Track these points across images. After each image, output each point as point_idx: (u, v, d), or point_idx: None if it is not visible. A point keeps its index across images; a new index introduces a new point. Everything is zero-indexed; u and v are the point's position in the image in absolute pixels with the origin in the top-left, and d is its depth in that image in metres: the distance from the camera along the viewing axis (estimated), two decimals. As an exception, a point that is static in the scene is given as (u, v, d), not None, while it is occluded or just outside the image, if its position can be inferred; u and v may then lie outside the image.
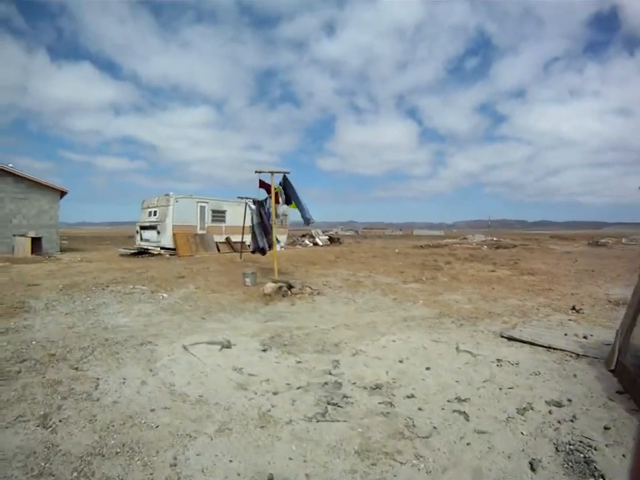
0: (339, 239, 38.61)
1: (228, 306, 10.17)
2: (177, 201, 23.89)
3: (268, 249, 15.01)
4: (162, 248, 23.35)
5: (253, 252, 15.68)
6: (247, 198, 19.07)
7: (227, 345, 6.83)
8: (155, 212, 24.65)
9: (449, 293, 12.35)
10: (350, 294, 12.05)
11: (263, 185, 14.05)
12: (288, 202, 13.98)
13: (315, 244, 36.20)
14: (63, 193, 26.43)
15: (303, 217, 13.87)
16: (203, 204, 25.75)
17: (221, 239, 26.49)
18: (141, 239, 25.58)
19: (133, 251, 23.39)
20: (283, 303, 10.58)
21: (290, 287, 11.86)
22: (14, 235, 23.18)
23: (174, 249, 23.36)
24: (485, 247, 33.65)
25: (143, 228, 25.67)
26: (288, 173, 13.55)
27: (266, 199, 14.82)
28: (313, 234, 38.46)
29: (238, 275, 14.01)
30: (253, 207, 16.20)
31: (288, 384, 5.20)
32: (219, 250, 25.32)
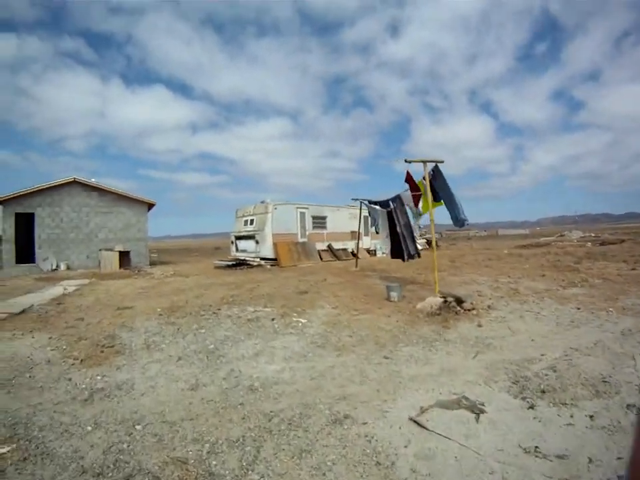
0: (436, 243, 34.68)
1: (398, 333, 7.28)
2: (275, 208, 20.95)
3: (417, 255, 12.06)
4: (261, 258, 20.59)
5: (404, 259, 12.43)
6: (362, 200, 16.36)
7: (478, 408, 4.08)
8: (252, 220, 21.81)
9: (623, 297, 9.47)
10: (521, 305, 9.22)
11: (410, 179, 10.98)
12: (435, 199, 10.93)
13: (414, 248, 32.33)
14: (150, 206, 24.67)
15: (455, 217, 10.73)
16: (302, 210, 22.66)
17: (323, 246, 23.41)
18: (237, 250, 22.84)
19: (229, 263, 20.81)
20: (463, 324, 7.71)
21: (460, 301, 8.72)
22: (100, 250, 21.81)
23: (275, 259, 20.52)
24: (589, 243, 29.33)
25: (238, 238, 22.88)
26: (442, 162, 10.47)
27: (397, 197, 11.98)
28: (410, 238, 34.72)
29: (368, 288, 11.81)
30: (377, 208, 13.60)
31: None
32: (321, 258, 22.37)
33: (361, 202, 16.48)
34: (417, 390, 4.66)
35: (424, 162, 10.11)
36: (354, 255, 24.33)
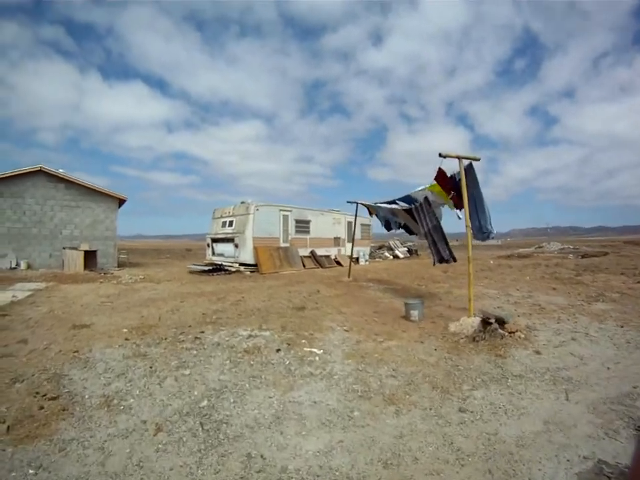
0: (416, 251, 33.33)
1: (449, 367, 5.55)
2: (257, 209, 18.66)
3: (452, 259, 10.00)
4: (240, 264, 18.35)
5: (438, 262, 10.31)
6: (358, 202, 14.75)
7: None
8: (231, 222, 19.48)
9: None
10: (558, 323, 8.00)
11: (442, 177, 8.91)
12: (458, 205, 9.23)
13: (395, 256, 31.29)
14: (121, 202, 21.79)
15: (480, 226, 8.87)
16: (285, 213, 20.39)
17: (306, 252, 21.26)
18: (214, 253, 20.52)
19: (205, 268, 18.40)
20: (517, 351, 6.25)
21: (502, 322, 7.00)
22: (64, 248, 19.09)
23: (255, 265, 18.31)
24: (571, 255, 28.42)
25: (215, 241, 20.52)
26: (478, 159, 8.51)
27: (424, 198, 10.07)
28: (392, 245, 33.36)
29: (374, 303, 10.33)
30: (393, 206, 11.80)
31: None
32: (304, 265, 20.25)
33: (357, 204, 14.60)
34: (538, 462, 3.30)
35: (459, 158, 8.20)
36: (337, 262, 22.45)
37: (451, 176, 8.72)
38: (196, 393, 4.46)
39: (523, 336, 6.87)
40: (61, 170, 19.73)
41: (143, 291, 12.03)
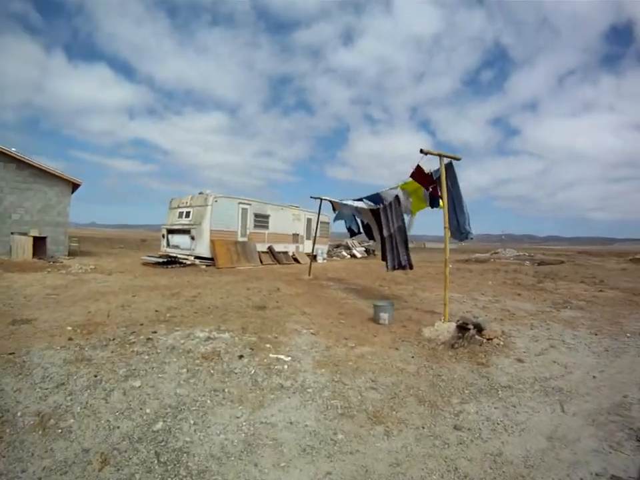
0: (374, 251, 33.14)
1: (432, 377, 5.10)
2: (216, 201, 17.75)
3: (409, 266, 9.56)
4: (196, 257, 17.45)
5: (388, 268, 9.77)
6: (323, 198, 14.05)
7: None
8: (188, 213, 18.49)
9: (624, 320, 8.78)
10: (532, 330, 7.79)
11: (419, 174, 8.36)
12: (432, 203, 8.97)
13: (353, 255, 30.90)
14: (75, 186, 20.17)
15: (458, 226, 8.57)
16: (245, 206, 19.51)
17: (263, 248, 20.48)
18: (169, 245, 19.46)
19: (159, 260, 17.27)
20: (498, 359, 5.91)
21: (480, 328, 6.60)
22: (12, 233, 17.48)
23: (211, 259, 17.45)
24: (527, 262, 28.86)
25: (171, 232, 19.45)
26: (459, 159, 8.19)
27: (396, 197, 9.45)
28: (350, 245, 32.91)
29: (337, 303, 9.84)
30: (359, 205, 11.14)
31: None
32: (261, 261, 19.46)
33: (321, 200, 14.01)
34: None
35: (440, 155, 7.77)
36: (295, 259, 21.88)
37: (428, 173, 8.29)
38: (148, 410, 3.70)
39: (502, 343, 6.53)
40: (13, 149, 18.16)
41: (92, 282, 11.10)
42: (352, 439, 3.46)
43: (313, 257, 16.75)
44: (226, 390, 4.22)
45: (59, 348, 5.05)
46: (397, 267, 9.41)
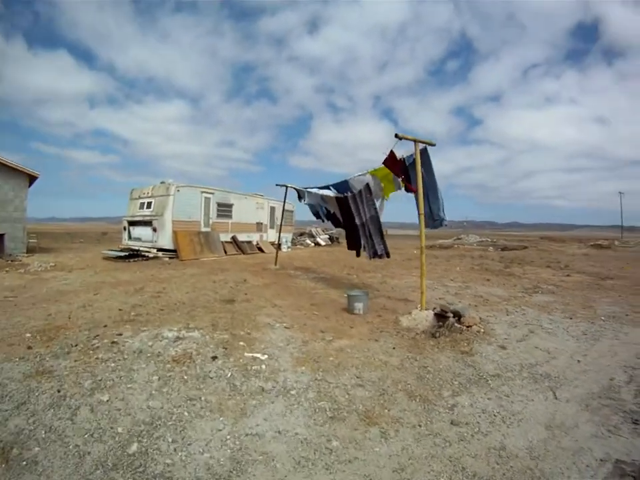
0: (337, 239, 32.89)
1: (417, 369, 4.92)
2: (178, 190, 16.99)
3: (386, 254, 9.24)
4: (159, 249, 16.74)
5: (369, 257, 9.56)
6: (288, 185, 13.59)
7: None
8: (150, 204, 17.70)
9: (595, 305, 8.95)
10: (508, 315, 7.82)
11: (392, 161, 8.12)
12: (408, 187, 8.53)
13: (317, 244, 30.59)
14: (32, 179, 18.80)
15: (431, 212, 8.40)
16: (207, 195, 18.82)
17: (227, 238, 19.89)
18: (130, 238, 18.64)
19: (120, 254, 16.51)
20: (481, 346, 5.84)
21: (458, 315, 6.53)
22: None
23: (174, 251, 16.78)
24: (491, 248, 29.52)
25: (132, 224, 18.64)
26: (434, 144, 7.98)
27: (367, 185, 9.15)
28: (314, 233, 32.53)
29: (307, 294, 9.58)
30: (327, 192, 10.76)
31: None
32: (225, 252, 18.88)
33: (287, 187, 13.64)
34: (561, 473, 3.00)
35: (415, 141, 7.54)
36: (259, 248, 21.47)
37: (400, 159, 8.07)
38: (120, 430, 3.29)
39: (482, 330, 6.47)
40: (-33, 142, 16.90)
41: (52, 281, 10.43)
42: (348, 445, 3.22)
43: (278, 246, 16.40)
44: (203, 398, 3.87)
45: (17, 359, 4.55)
46: (373, 256, 9.19)
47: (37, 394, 3.76)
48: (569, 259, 20.94)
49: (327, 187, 10.97)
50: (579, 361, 5.41)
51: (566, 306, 8.71)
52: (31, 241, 19.85)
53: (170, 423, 3.42)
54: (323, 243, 30.74)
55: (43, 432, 3.20)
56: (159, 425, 3.40)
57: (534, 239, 49.82)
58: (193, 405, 3.72)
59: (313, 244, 30.09)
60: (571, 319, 7.62)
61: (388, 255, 9.25)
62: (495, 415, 3.80)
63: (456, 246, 31.25)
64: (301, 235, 32.59)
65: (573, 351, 5.82)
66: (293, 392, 4.05)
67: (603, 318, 7.68)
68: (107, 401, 3.71)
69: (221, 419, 3.53)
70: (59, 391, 3.83)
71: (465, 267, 16.03)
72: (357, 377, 4.50)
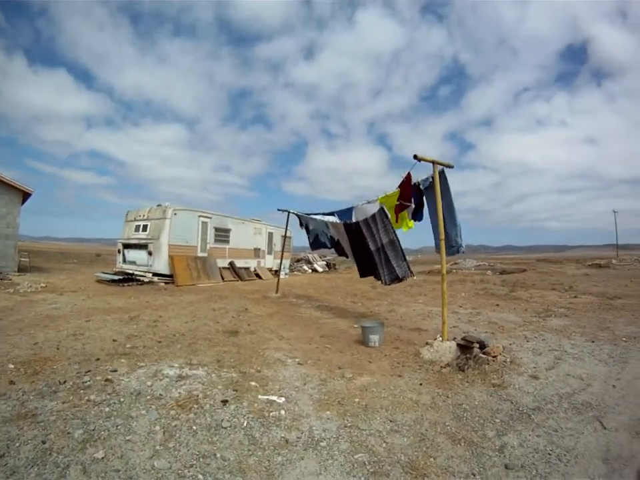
0: (334, 265, 32.41)
1: (453, 408, 4.36)
2: (175, 214, 16.53)
3: (410, 273, 8.77)
4: (154, 274, 16.16)
5: (389, 283, 8.95)
6: (290, 211, 13.16)
7: None
8: (146, 226, 17.13)
9: (612, 325, 8.81)
10: (528, 342, 7.40)
11: (407, 184, 7.78)
12: (416, 215, 8.58)
13: (314, 270, 30.16)
14: (26, 195, 18.22)
15: (449, 240, 7.92)
16: (205, 219, 18.36)
17: (224, 263, 19.35)
18: (124, 261, 17.99)
19: (114, 277, 15.92)
20: (511, 377, 5.36)
21: (482, 345, 6.06)
22: None
23: (170, 276, 16.20)
24: (489, 272, 29.34)
25: (127, 247, 18.01)
26: (452, 166, 7.60)
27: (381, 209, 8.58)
28: (311, 259, 32.11)
29: (315, 324, 9.01)
30: (331, 219, 10.57)
31: None
32: (222, 278, 18.29)
33: (289, 213, 13.15)
34: None
35: (434, 162, 7.10)
36: (257, 275, 20.93)
37: (414, 184, 7.66)
38: None
39: (508, 360, 5.98)
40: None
41: (41, 304, 9.84)
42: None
43: (275, 272, 15.95)
44: (218, 455, 3.15)
45: (-4, 396, 3.93)
46: (390, 282, 8.69)
47: (17, 444, 3.07)
48: (571, 280, 20.76)
49: (331, 214, 10.56)
50: (614, 385, 5.16)
51: (583, 329, 8.48)
52: (22, 259, 19.21)
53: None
54: (320, 270, 30.33)
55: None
56: None
57: (530, 262, 49.82)
58: (207, 465, 2.99)
59: (310, 270, 29.69)
60: (593, 342, 7.37)
61: (412, 274, 8.86)
62: (549, 454, 3.34)
63: (454, 271, 30.92)
64: (298, 260, 32.19)
65: (605, 375, 5.56)
66: (322, 443, 3.41)
67: (624, 339, 7.48)
68: (102, 458, 2.98)
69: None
70: (44, 442, 3.13)
71: (470, 293, 15.70)
72: (390, 421, 3.90)
